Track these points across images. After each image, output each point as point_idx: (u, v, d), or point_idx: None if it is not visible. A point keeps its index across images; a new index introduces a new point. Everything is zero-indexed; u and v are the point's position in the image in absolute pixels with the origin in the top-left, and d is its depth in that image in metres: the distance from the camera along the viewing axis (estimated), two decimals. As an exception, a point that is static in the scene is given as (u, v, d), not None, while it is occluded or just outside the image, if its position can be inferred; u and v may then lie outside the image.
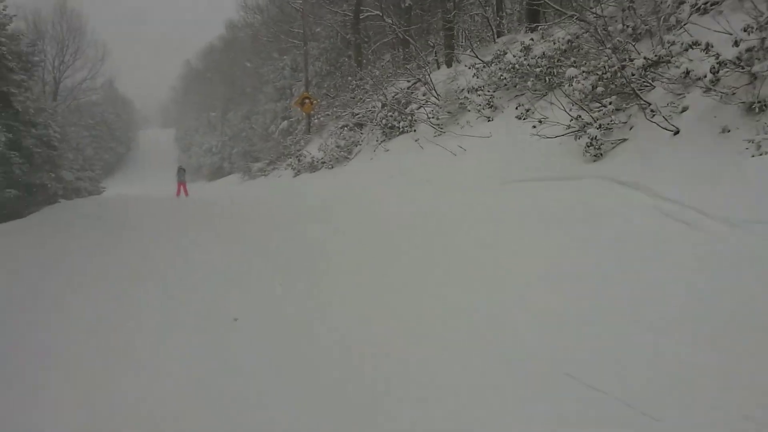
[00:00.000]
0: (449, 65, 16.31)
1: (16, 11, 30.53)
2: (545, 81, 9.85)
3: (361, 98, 18.14)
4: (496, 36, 15.55)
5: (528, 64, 10.52)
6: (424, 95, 15.00)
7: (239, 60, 48.70)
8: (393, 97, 15.72)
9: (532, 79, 10.32)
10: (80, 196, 31.53)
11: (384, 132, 14.90)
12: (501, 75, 11.31)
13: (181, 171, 19.73)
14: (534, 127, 8.39)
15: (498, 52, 12.56)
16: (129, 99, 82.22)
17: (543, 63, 10.20)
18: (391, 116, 14.84)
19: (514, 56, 11.10)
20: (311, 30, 24.32)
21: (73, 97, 36.34)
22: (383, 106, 15.50)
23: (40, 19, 33.77)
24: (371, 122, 16.00)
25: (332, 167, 16.12)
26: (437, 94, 13.63)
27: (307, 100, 20.78)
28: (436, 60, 16.89)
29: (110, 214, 14.86)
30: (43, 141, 24.68)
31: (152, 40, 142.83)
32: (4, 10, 22.17)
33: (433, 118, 13.23)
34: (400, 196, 9.53)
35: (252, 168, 32.95)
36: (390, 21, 21.54)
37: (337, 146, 16.18)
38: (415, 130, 13.85)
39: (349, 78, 19.67)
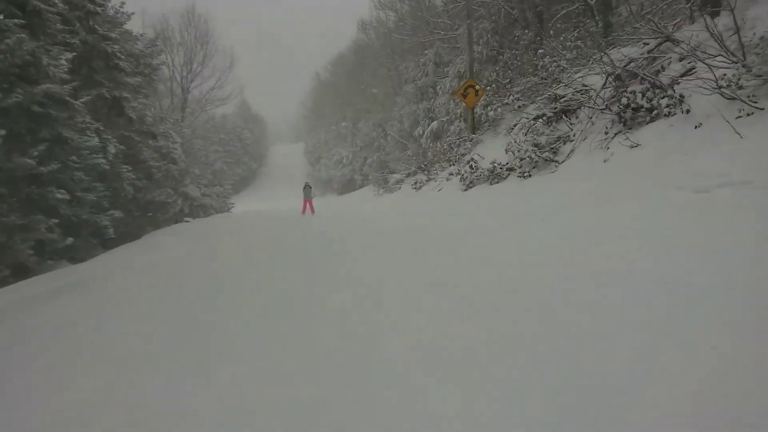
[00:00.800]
0: (714, 14, 10.32)
1: (142, 17, 28.92)
2: None
3: (556, 77, 12.65)
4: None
5: None
6: (680, 59, 9.30)
7: (371, 65, 45.47)
8: (624, 66, 10.08)
9: None
10: (207, 214, 29.35)
11: (620, 118, 9.30)
12: None
13: (307, 188, 18.52)
14: None
15: None
16: (260, 115, 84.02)
17: None
18: (630, 93, 9.25)
19: None
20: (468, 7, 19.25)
21: (200, 107, 34.64)
22: (614, 78, 9.91)
23: (168, 27, 32.35)
24: (587, 106, 10.42)
25: (527, 175, 10.77)
26: (741, 51, 7.79)
27: (470, 90, 15.66)
28: (690, 9, 10.89)
29: (220, 242, 10.80)
30: (163, 154, 22.12)
31: (281, 53, 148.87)
32: (120, 7, 19.79)
33: (728, 86, 7.54)
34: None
35: (389, 180, 28.76)
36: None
37: (534, 145, 10.81)
38: (688, 111, 8.12)
39: (540, 51, 14.16)
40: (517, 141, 11.45)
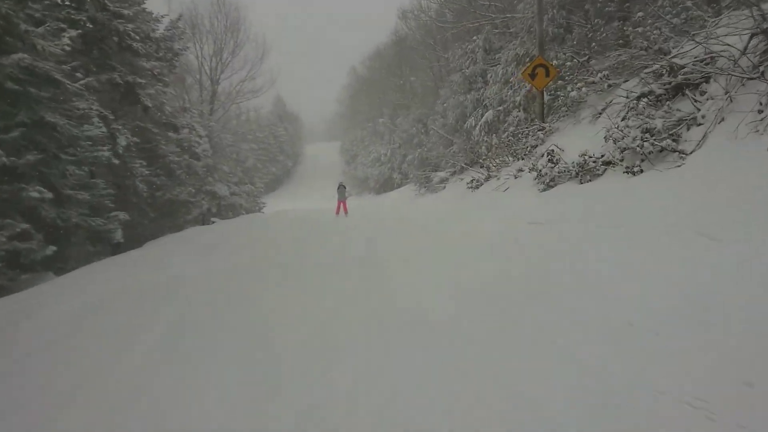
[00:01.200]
0: None
1: (168, 3, 27.10)
2: None
3: (660, 47, 9.90)
4: None
5: None
6: None
7: (410, 57, 43.09)
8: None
9: None
10: (237, 214, 27.37)
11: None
12: None
13: (341, 188, 17.37)
14: None
15: None
16: (295, 113, 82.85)
17: None
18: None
19: None
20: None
21: (231, 100, 32.70)
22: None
23: (197, 14, 30.52)
24: (730, 73, 7.65)
25: (637, 170, 8.10)
26: None
27: (540, 69, 13.00)
28: None
29: (224, 257, 8.26)
30: (185, 148, 20.13)
31: (318, 49, 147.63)
32: (141, -14, 17.80)
33: None
34: None
35: (432, 178, 26.31)
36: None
37: (646, 131, 8.17)
38: None
39: (639, 14, 11.36)
40: (619, 127, 8.76)
